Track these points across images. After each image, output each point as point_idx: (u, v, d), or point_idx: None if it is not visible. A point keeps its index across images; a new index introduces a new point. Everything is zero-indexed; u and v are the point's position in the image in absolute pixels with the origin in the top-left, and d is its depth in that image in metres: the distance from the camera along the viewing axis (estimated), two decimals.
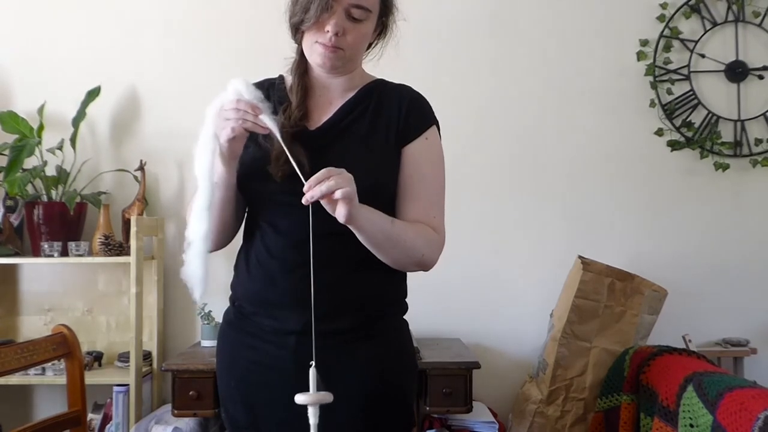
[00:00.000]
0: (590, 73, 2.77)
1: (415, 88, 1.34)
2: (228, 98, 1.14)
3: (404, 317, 1.36)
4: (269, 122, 1.12)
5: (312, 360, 1.08)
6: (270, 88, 1.32)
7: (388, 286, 1.30)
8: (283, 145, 1.11)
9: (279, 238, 1.24)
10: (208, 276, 1.16)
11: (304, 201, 1.05)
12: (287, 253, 1.23)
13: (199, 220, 1.14)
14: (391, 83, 1.34)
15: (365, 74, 1.34)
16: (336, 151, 1.23)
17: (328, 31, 1.17)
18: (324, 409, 1.24)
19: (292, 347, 1.23)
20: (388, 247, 1.20)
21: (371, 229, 1.16)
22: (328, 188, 1.04)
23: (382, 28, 1.29)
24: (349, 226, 1.14)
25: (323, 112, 1.29)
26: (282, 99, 1.29)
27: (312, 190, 1.04)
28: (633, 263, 2.54)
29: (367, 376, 1.25)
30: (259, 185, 1.23)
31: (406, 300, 1.36)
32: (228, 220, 1.28)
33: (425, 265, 1.27)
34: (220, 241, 1.30)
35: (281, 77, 1.34)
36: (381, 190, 1.23)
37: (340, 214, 1.07)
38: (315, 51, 1.21)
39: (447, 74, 2.76)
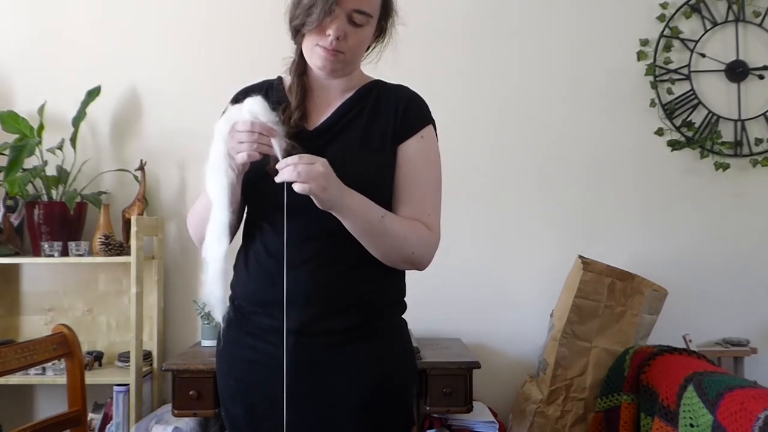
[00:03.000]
0: (590, 73, 2.77)
1: (412, 89, 1.35)
2: (242, 118, 1.13)
3: (403, 317, 1.36)
4: (278, 147, 1.12)
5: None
6: (269, 90, 1.33)
7: (386, 285, 1.30)
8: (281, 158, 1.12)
9: (278, 238, 1.25)
10: (227, 295, 1.17)
11: (276, 179, 1.10)
12: (286, 252, 1.23)
13: (218, 241, 1.14)
14: (389, 84, 1.35)
15: (363, 75, 1.35)
16: (334, 151, 1.23)
17: (329, 35, 1.18)
18: (324, 409, 1.25)
19: (292, 346, 1.23)
20: (376, 239, 1.20)
21: (355, 219, 1.17)
22: (289, 176, 1.08)
23: (380, 31, 1.30)
24: (333, 214, 1.15)
25: (321, 113, 1.29)
26: (281, 100, 1.29)
27: (281, 172, 1.09)
28: (633, 263, 2.54)
29: (366, 375, 1.25)
30: (257, 185, 1.23)
31: (405, 299, 1.36)
32: (232, 227, 1.29)
33: (417, 263, 1.27)
34: None
35: (279, 78, 1.35)
36: (378, 189, 1.24)
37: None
38: (315, 54, 1.22)
39: (446, 74, 2.76)
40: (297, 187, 1.08)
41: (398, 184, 1.27)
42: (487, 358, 2.60)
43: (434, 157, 1.31)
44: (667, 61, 2.76)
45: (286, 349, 1.23)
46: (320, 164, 1.10)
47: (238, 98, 1.34)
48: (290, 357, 1.23)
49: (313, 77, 1.29)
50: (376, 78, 1.36)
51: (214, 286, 1.15)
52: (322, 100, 1.30)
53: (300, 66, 1.28)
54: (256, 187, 1.25)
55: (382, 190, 1.25)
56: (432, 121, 1.32)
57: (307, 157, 1.10)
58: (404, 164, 1.27)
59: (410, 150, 1.27)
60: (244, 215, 1.35)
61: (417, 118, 1.30)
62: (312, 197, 1.10)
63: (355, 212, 1.16)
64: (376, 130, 1.27)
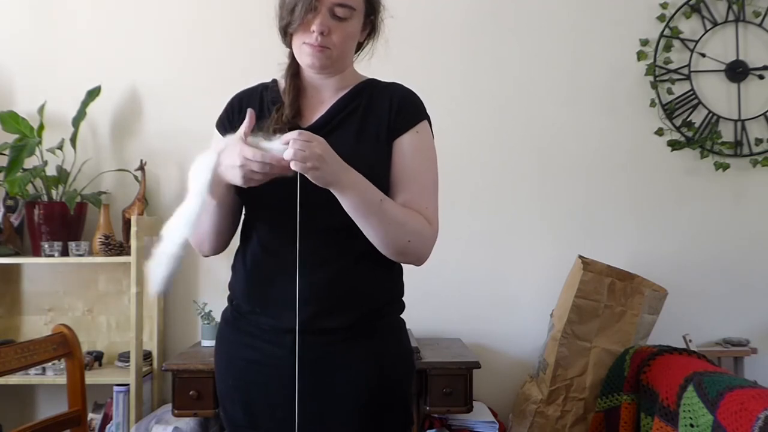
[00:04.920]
0: (590, 73, 2.77)
1: (407, 86, 1.35)
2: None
3: (401, 316, 1.36)
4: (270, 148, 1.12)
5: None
6: (263, 91, 1.33)
7: (385, 284, 1.31)
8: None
9: (275, 237, 1.25)
10: (172, 278, 1.14)
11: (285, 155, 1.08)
12: (284, 251, 1.23)
13: (182, 227, 1.14)
14: (383, 82, 1.35)
15: (357, 74, 1.35)
16: None
17: (313, 31, 1.19)
18: (323, 407, 1.25)
19: (290, 345, 1.23)
20: (373, 222, 1.19)
21: (353, 197, 1.16)
22: (286, 154, 1.07)
23: (371, 27, 1.30)
24: (331, 190, 1.15)
25: (315, 111, 1.30)
26: (275, 100, 1.30)
27: (287, 150, 1.08)
28: (633, 263, 2.54)
29: (365, 374, 1.26)
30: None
31: (403, 299, 1.36)
32: (222, 226, 1.28)
33: (413, 255, 1.25)
34: (217, 246, 1.31)
35: (274, 81, 1.35)
36: (374, 185, 1.23)
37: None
38: (303, 52, 1.23)
39: (445, 74, 2.76)
40: (292, 165, 1.08)
41: (394, 178, 1.27)
42: (487, 358, 2.60)
43: (430, 151, 1.31)
44: (667, 61, 2.76)
45: (285, 347, 1.24)
46: (317, 144, 1.10)
47: (233, 102, 1.35)
48: (289, 356, 1.23)
49: (306, 78, 1.30)
50: (371, 77, 1.36)
51: (161, 265, 1.13)
52: (316, 99, 1.31)
53: (292, 67, 1.30)
54: (251, 187, 1.25)
55: (377, 186, 1.25)
56: (427, 117, 1.32)
57: (306, 134, 1.10)
58: (400, 159, 1.27)
59: (405, 145, 1.27)
60: (242, 216, 1.35)
61: (411, 114, 1.30)
62: (308, 172, 1.10)
63: (353, 191, 1.16)
64: (371, 128, 1.27)
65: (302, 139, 1.08)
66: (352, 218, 1.19)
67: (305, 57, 1.23)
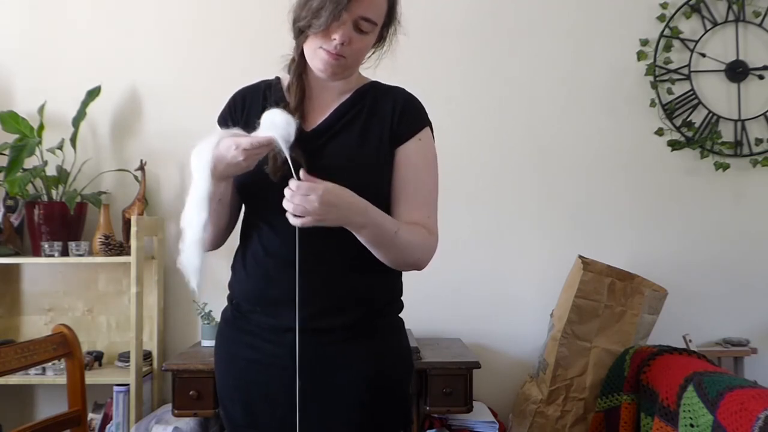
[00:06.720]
0: (590, 73, 2.77)
1: (409, 90, 1.35)
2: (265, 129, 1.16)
3: (400, 315, 1.36)
4: (284, 147, 1.13)
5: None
6: (267, 90, 1.33)
7: (384, 284, 1.31)
8: (285, 151, 1.13)
9: (275, 237, 1.25)
10: (205, 266, 1.17)
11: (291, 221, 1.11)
12: (284, 251, 1.23)
13: (197, 212, 1.15)
14: (385, 85, 1.35)
15: (360, 76, 1.35)
16: (331, 151, 1.24)
17: (334, 39, 1.18)
18: (323, 406, 1.25)
19: (290, 345, 1.23)
20: (386, 250, 1.22)
21: (366, 235, 1.19)
22: (286, 207, 1.10)
23: (380, 37, 1.29)
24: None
25: (319, 114, 1.30)
26: (279, 100, 1.29)
27: (285, 202, 1.11)
28: (633, 263, 2.54)
29: (365, 373, 1.26)
30: (255, 185, 1.24)
31: (402, 299, 1.37)
32: (221, 222, 1.29)
33: (418, 266, 1.29)
34: (214, 242, 1.32)
35: (278, 78, 1.35)
36: (375, 190, 1.24)
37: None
38: (318, 56, 1.22)
39: (444, 75, 2.75)
40: (291, 221, 1.10)
41: (397, 186, 1.27)
42: (487, 358, 2.61)
43: (432, 159, 1.32)
44: (667, 61, 2.76)
45: (285, 347, 1.24)
46: (315, 197, 1.09)
47: (236, 98, 1.35)
48: (289, 355, 1.23)
49: (311, 78, 1.29)
50: (374, 79, 1.36)
51: (191, 254, 1.16)
52: (320, 101, 1.30)
53: (300, 66, 1.28)
54: (252, 187, 1.25)
55: (379, 191, 1.26)
56: (429, 123, 1.33)
57: (304, 187, 1.09)
58: (403, 167, 1.27)
59: (409, 153, 1.28)
60: (241, 215, 1.35)
61: (414, 121, 1.30)
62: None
63: (368, 230, 1.18)
64: (374, 132, 1.27)
65: (300, 193, 1.09)
66: (366, 246, 1.21)
67: (318, 62, 1.22)
